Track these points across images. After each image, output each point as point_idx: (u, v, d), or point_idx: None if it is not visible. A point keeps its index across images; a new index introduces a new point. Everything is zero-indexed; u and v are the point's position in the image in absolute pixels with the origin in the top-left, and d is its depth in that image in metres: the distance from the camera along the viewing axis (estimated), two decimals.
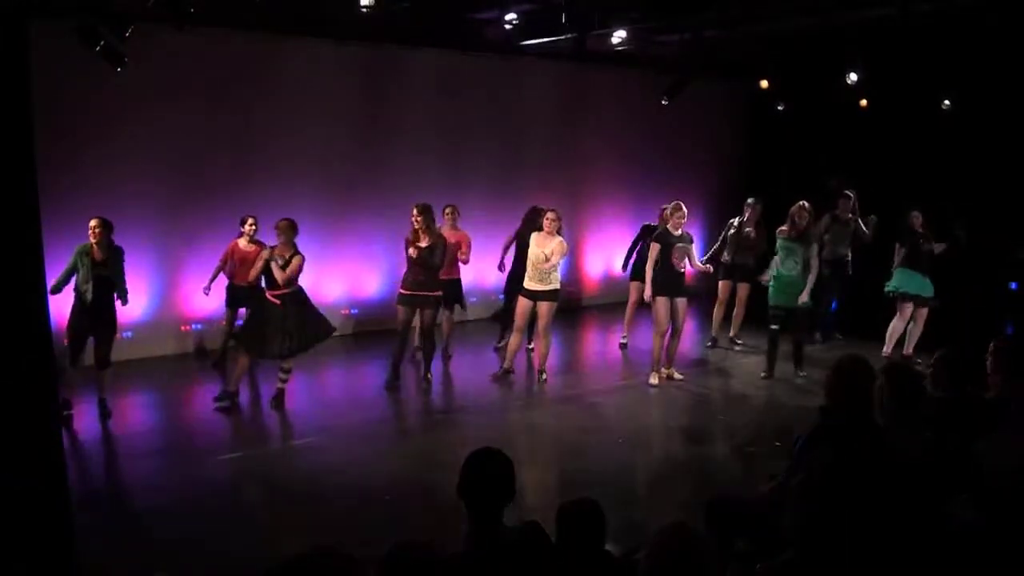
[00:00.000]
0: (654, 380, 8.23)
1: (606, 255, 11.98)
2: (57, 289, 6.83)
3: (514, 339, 8.26)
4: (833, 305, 10.01)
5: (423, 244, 7.71)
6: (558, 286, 8.11)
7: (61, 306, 8.08)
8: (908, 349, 8.94)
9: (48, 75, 6.58)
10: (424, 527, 4.78)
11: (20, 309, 3.72)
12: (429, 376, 8.20)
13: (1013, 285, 10.37)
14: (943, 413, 3.95)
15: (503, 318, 9.37)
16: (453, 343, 9.19)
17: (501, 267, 9.22)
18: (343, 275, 10.14)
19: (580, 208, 11.75)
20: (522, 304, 8.09)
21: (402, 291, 7.93)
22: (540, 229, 8.09)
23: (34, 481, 3.76)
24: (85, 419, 7.26)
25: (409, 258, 7.77)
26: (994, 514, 2.82)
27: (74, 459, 4.59)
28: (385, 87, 10.04)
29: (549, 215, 7.99)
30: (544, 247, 7.90)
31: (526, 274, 8.09)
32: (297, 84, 9.42)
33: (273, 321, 7.15)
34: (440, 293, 8.06)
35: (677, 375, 8.41)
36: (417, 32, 9.54)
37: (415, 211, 7.72)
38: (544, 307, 8.02)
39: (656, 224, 9.42)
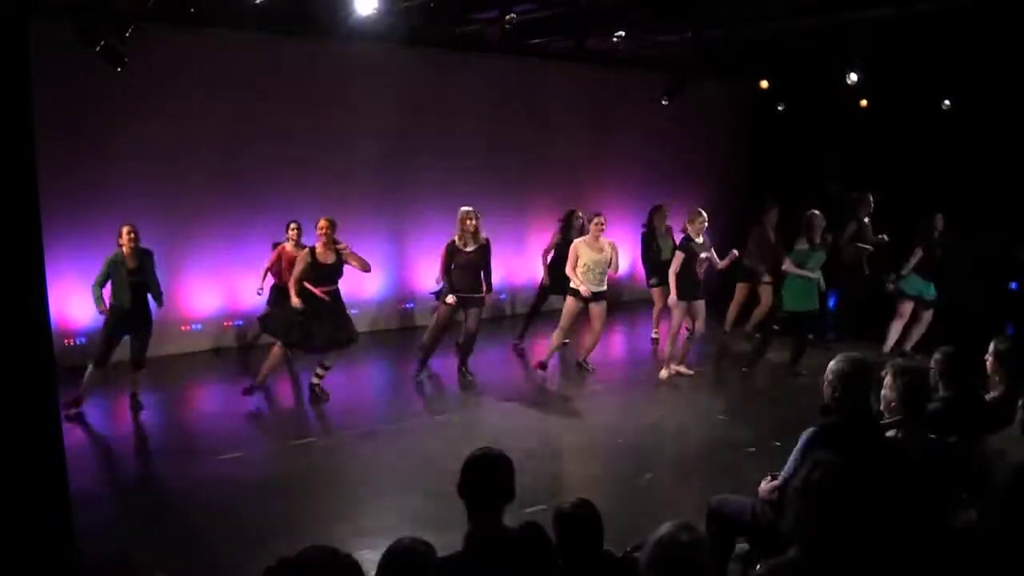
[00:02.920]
0: (663, 374, 8.46)
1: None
2: (103, 300, 7.02)
3: (559, 337, 8.43)
4: (832, 304, 10.01)
5: (471, 248, 7.92)
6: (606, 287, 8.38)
7: (61, 306, 8.11)
8: (908, 345, 8.99)
9: (48, 75, 6.58)
10: (424, 527, 4.77)
11: (20, 309, 3.72)
12: (468, 372, 8.38)
13: (1013, 285, 10.36)
14: (943, 413, 3.95)
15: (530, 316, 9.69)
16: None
17: (545, 261, 9.41)
18: (349, 275, 10.14)
19: (580, 208, 11.72)
20: (574, 306, 8.24)
21: (458, 296, 8.03)
22: (573, 229, 8.62)
23: (34, 481, 3.77)
24: (88, 418, 7.27)
25: (460, 262, 7.94)
26: (994, 514, 2.82)
27: (75, 459, 4.58)
28: (383, 87, 10.03)
29: (598, 220, 8.18)
30: (602, 254, 8.12)
31: (580, 278, 8.13)
32: (296, 84, 9.42)
33: (321, 315, 7.31)
34: (484, 294, 8.21)
35: (686, 371, 8.57)
36: (417, 32, 9.52)
37: (474, 216, 7.90)
38: (599, 308, 8.26)
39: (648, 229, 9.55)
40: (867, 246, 9.53)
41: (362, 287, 10.25)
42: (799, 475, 2.55)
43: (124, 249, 6.99)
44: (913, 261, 8.82)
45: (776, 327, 8.46)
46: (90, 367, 7.13)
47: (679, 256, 8.16)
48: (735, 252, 8.49)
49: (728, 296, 9.95)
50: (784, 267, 8.33)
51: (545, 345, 8.81)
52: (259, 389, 7.58)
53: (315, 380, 7.60)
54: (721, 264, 8.37)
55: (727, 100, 12.88)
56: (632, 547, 3.25)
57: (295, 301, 7.26)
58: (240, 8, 7.51)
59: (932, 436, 3.62)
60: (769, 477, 3.78)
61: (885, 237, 9.48)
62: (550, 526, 3.13)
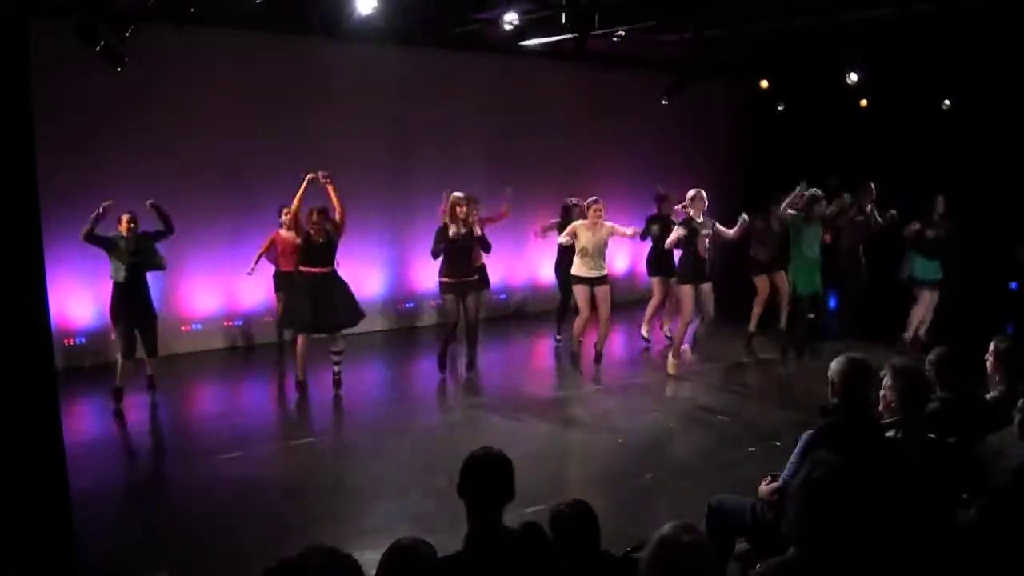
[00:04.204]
0: (672, 369, 8.36)
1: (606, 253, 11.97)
2: (91, 234, 7.07)
3: (579, 323, 8.43)
4: (832, 302, 10.00)
5: (463, 231, 7.91)
6: (607, 271, 8.35)
7: (61, 306, 8.12)
8: (922, 330, 8.91)
9: (48, 75, 6.58)
10: (424, 527, 4.77)
11: (20, 309, 3.73)
12: (473, 368, 8.40)
13: (1013, 285, 10.36)
14: (943, 413, 3.95)
15: (560, 311, 9.62)
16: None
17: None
18: (349, 275, 10.13)
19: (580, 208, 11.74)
20: (583, 291, 8.26)
21: (449, 280, 8.04)
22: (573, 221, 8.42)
23: (34, 481, 3.77)
24: (88, 418, 7.28)
25: (451, 247, 7.92)
26: (994, 514, 2.82)
27: (75, 459, 4.59)
28: (383, 87, 10.03)
29: (596, 206, 8.17)
30: (600, 234, 8.13)
31: (578, 263, 8.22)
32: (296, 84, 9.42)
33: (316, 296, 7.39)
34: (476, 278, 8.25)
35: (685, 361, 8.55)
36: (417, 33, 9.53)
37: (464, 203, 7.87)
38: (603, 291, 8.25)
39: (657, 215, 9.45)
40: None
41: (362, 287, 10.24)
42: (799, 475, 2.55)
43: (123, 234, 7.15)
44: (911, 230, 8.76)
45: (811, 315, 8.38)
46: (120, 360, 7.27)
47: (678, 230, 8.12)
48: (745, 217, 8.33)
49: (735, 288, 9.83)
50: (779, 211, 8.32)
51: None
52: (305, 384, 7.68)
53: (336, 369, 7.72)
54: (732, 233, 8.26)
55: (727, 100, 12.88)
56: (632, 547, 3.25)
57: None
58: (240, 8, 7.52)
59: (932, 436, 3.62)
60: (769, 477, 3.78)
61: (895, 212, 9.20)
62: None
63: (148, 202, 7.31)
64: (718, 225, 8.28)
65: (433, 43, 10.01)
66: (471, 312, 8.18)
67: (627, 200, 12.00)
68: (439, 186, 10.04)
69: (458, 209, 7.89)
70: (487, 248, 8.27)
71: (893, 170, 10.71)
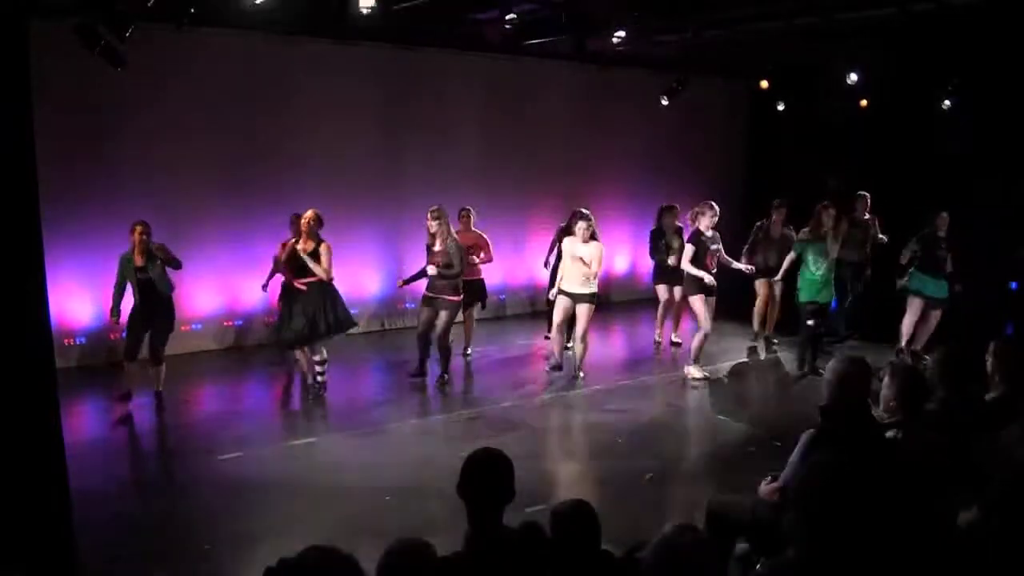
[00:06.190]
0: (697, 374, 8.31)
1: (606, 254, 11.96)
2: (117, 308, 7.22)
3: (555, 336, 8.37)
4: (834, 304, 10.00)
5: (439, 248, 7.85)
6: (596, 290, 8.15)
7: (61, 306, 8.12)
8: (918, 345, 8.90)
9: (48, 75, 6.58)
10: (424, 527, 4.78)
11: (20, 309, 3.73)
12: (446, 377, 8.25)
13: (1013, 285, 10.35)
14: (943, 413, 3.95)
15: (550, 311, 9.42)
16: (472, 342, 9.31)
17: (547, 264, 9.50)
18: (347, 276, 10.14)
19: (579, 208, 11.73)
20: (562, 303, 8.16)
21: (425, 293, 8.08)
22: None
23: (34, 481, 3.77)
24: (88, 418, 7.28)
25: (430, 261, 7.90)
26: (994, 514, 2.82)
27: (75, 459, 4.59)
28: (383, 88, 10.03)
29: (580, 224, 8.05)
30: (580, 253, 8.00)
31: (563, 276, 8.17)
32: (296, 85, 9.42)
33: (296, 305, 7.45)
34: (459, 298, 8.10)
35: (703, 371, 8.48)
36: (416, 32, 9.53)
37: (435, 215, 7.81)
38: (583, 310, 8.08)
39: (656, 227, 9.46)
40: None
41: (362, 287, 10.27)
42: (799, 475, 2.55)
43: (135, 247, 7.11)
44: (907, 253, 8.77)
45: (810, 322, 8.34)
46: (124, 363, 7.37)
47: (689, 248, 8.09)
48: (751, 268, 8.63)
49: (740, 296, 9.83)
50: (788, 257, 8.33)
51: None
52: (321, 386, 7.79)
53: (319, 380, 7.74)
54: (734, 265, 8.35)
55: (727, 100, 12.89)
56: (632, 547, 3.25)
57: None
58: (240, 8, 7.51)
59: (932, 436, 3.62)
60: (769, 477, 3.78)
61: (884, 238, 9.41)
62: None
63: (154, 245, 7.22)
64: (723, 253, 8.27)
65: (433, 43, 10.01)
66: (438, 328, 7.98)
67: (626, 201, 12.03)
68: (439, 187, 10.10)
69: (428, 223, 7.85)
70: (449, 268, 7.93)
71: (893, 170, 10.72)
